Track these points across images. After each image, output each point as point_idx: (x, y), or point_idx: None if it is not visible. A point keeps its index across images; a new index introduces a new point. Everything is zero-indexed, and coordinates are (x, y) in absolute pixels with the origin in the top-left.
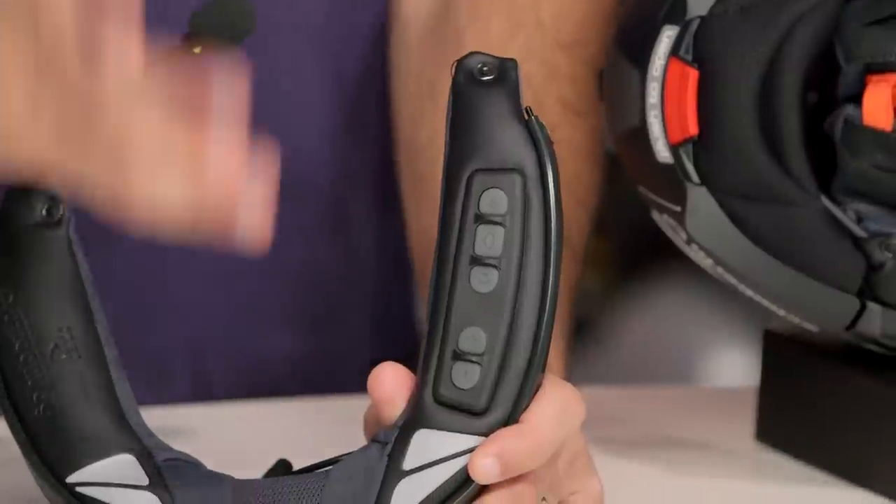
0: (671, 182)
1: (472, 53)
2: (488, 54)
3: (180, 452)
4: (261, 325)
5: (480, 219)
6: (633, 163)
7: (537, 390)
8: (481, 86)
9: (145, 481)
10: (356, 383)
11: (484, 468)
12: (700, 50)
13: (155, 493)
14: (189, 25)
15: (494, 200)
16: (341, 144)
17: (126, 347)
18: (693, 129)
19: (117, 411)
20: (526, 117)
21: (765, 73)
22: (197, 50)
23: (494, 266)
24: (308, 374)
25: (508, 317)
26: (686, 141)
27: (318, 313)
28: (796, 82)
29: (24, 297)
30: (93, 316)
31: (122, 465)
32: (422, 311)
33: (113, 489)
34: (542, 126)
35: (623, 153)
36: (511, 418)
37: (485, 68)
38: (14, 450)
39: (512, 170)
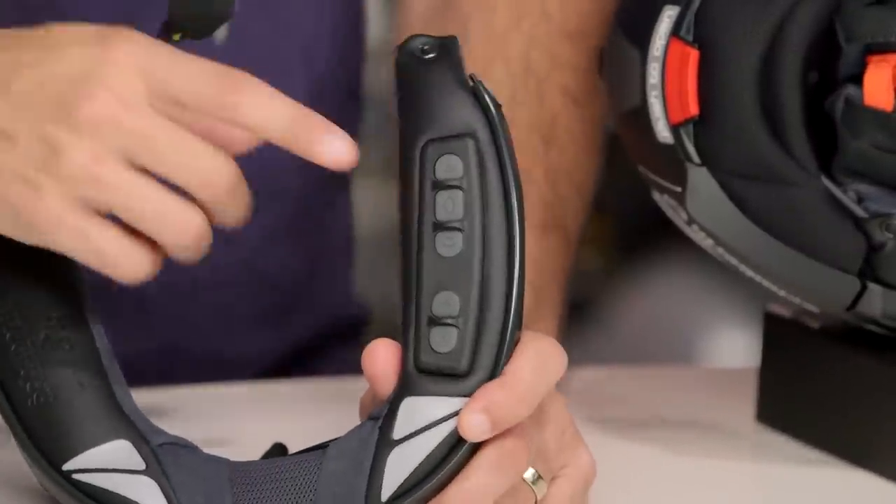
0: (672, 162)
1: (412, 36)
2: (429, 35)
3: (176, 436)
4: (230, 329)
5: (438, 185)
6: (634, 143)
7: (516, 345)
8: (424, 63)
9: (142, 466)
10: (315, 371)
11: (473, 424)
12: (701, 30)
13: (152, 478)
14: (168, 13)
15: (450, 165)
16: None
17: None
18: (694, 110)
19: (111, 398)
20: (471, 84)
21: (765, 53)
22: (176, 37)
23: (458, 229)
24: (269, 371)
25: (478, 276)
26: (687, 121)
27: (284, 312)
28: (797, 62)
29: (14, 287)
30: (83, 304)
31: (118, 450)
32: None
33: (110, 475)
34: (487, 90)
35: (623, 133)
36: (493, 376)
37: (426, 47)
38: (7, 436)
39: (463, 135)
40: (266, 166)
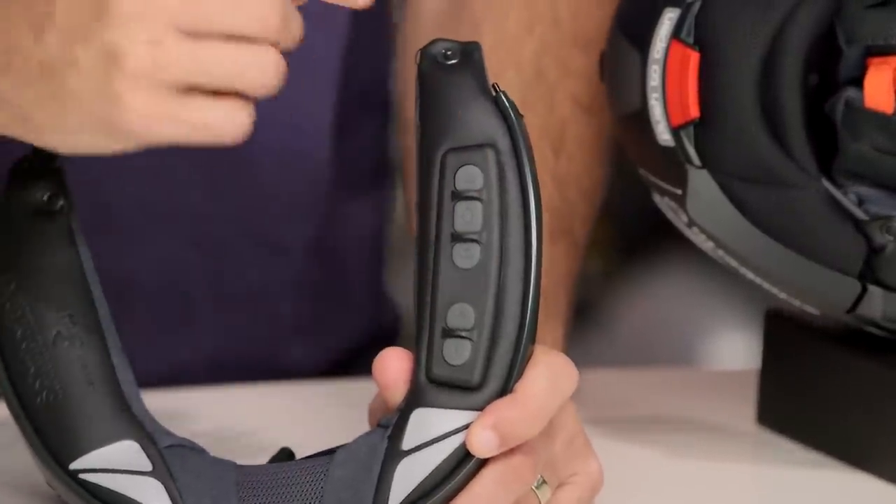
0: (672, 165)
1: (435, 41)
2: (451, 40)
3: (183, 438)
4: (277, 339)
5: (457, 196)
6: (634, 146)
7: (529, 360)
8: (446, 69)
9: (149, 467)
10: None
11: (482, 441)
12: (701, 32)
13: (158, 479)
14: None
15: (469, 176)
16: (336, 143)
17: (149, 362)
18: (694, 112)
19: (120, 398)
20: (493, 93)
21: (766, 55)
22: None
23: (476, 241)
24: (300, 375)
25: (494, 289)
26: (687, 124)
27: (325, 320)
28: (797, 64)
29: (27, 284)
30: (94, 303)
31: (126, 451)
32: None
33: (116, 475)
34: (510, 100)
35: (624, 136)
36: (505, 390)
37: (448, 52)
38: (16, 433)
39: (484, 145)
40: (298, 175)
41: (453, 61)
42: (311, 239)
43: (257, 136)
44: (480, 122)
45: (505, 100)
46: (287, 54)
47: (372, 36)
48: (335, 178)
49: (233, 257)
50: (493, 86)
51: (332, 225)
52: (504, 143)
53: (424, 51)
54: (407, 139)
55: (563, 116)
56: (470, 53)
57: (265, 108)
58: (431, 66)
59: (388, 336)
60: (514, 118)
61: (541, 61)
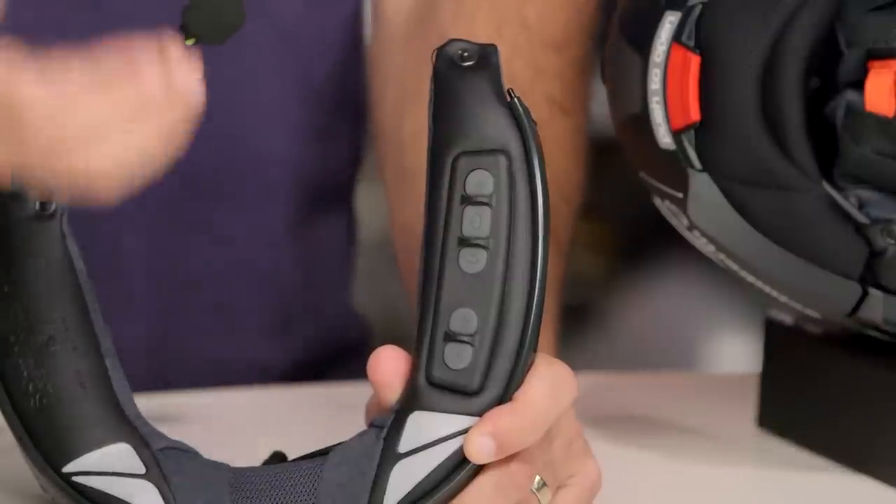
0: (673, 168)
1: (452, 41)
2: (468, 41)
3: (177, 441)
4: (226, 332)
5: (467, 200)
6: (635, 149)
7: (529, 368)
8: (462, 71)
9: (142, 470)
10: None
11: (479, 448)
12: (702, 35)
13: (152, 482)
14: (181, 20)
15: (480, 181)
16: (309, 149)
17: None
18: (695, 115)
19: (113, 401)
20: (508, 99)
21: (767, 58)
22: (189, 42)
23: (483, 246)
24: (265, 378)
25: (498, 296)
26: (688, 127)
27: (284, 320)
28: (798, 68)
29: (19, 289)
30: (87, 307)
31: (119, 454)
32: (358, 303)
33: (110, 478)
34: (525, 107)
35: (625, 139)
36: (504, 397)
37: (465, 54)
38: (9, 439)
39: (496, 151)
40: (260, 161)
41: (469, 63)
42: (265, 229)
43: (217, 140)
44: (494, 127)
45: (520, 106)
46: (261, 63)
47: (347, 48)
48: (299, 179)
49: (172, 243)
50: (509, 91)
51: (290, 218)
52: (517, 150)
53: (441, 51)
54: (382, 147)
55: (540, 118)
56: (487, 56)
57: (226, 113)
58: (447, 66)
59: (352, 353)
60: (528, 125)
61: (512, 65)
